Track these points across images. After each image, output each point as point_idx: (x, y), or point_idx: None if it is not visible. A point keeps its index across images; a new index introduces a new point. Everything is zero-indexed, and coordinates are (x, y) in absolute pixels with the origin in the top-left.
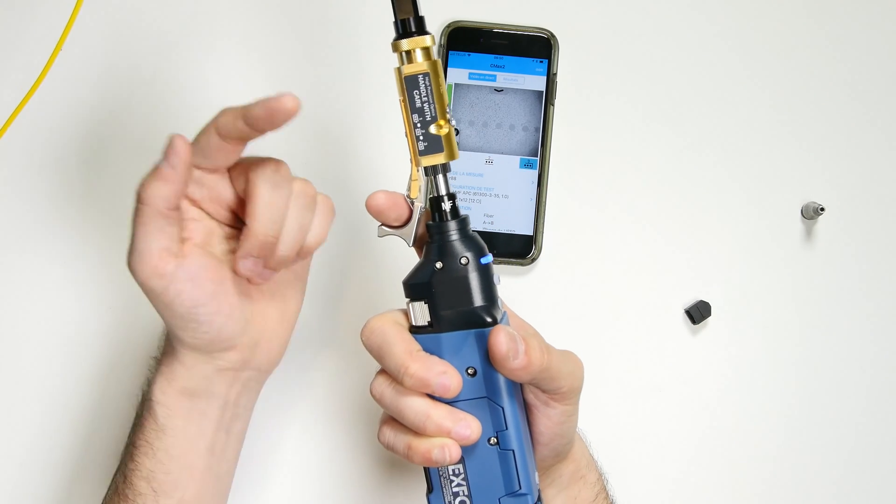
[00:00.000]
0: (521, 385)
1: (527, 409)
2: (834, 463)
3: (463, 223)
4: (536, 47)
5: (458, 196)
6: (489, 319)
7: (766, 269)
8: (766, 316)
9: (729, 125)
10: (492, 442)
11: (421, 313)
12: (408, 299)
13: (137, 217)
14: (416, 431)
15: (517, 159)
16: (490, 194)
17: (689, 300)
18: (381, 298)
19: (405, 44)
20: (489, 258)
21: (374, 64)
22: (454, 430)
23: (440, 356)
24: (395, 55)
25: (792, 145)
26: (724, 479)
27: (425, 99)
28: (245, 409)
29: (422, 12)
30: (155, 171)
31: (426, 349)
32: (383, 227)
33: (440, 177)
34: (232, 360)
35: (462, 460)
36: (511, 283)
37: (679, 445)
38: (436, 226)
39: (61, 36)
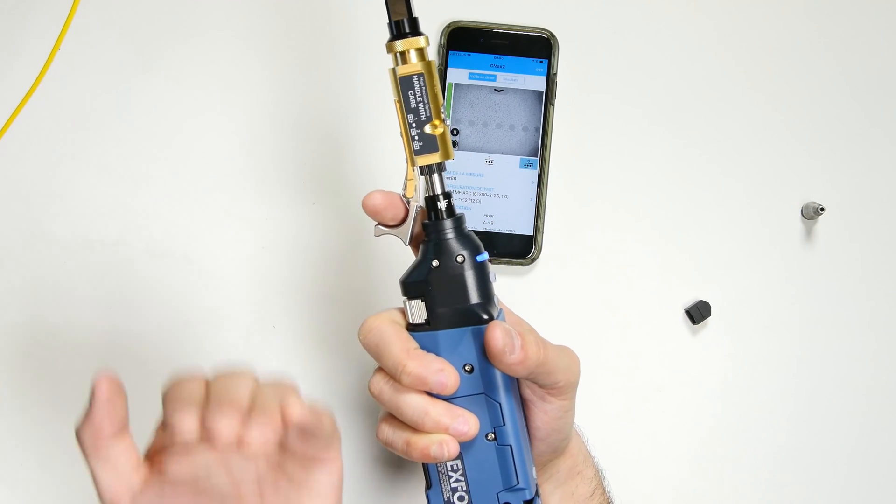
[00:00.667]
0: (518, 381)
1: (524, 404)
2: (834, 463)
3: (458, 222)
4: (536, 47)
5: (458, 196)
6: (485, 316)
7: (767, 268)
8: (766, 316)
9: (729, 125)
10: (489, 438)
11: (418, 311)
12: (404, 298)
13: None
14: (414, 428)
15: (517, 159)
16: (490, 194)
17: (689, 300)
18: (377, 297)
19: (399, 45)
20: (485, 256)
21: (368, 65)
22: (452, 427)
23: (437, 354)
24: (390, 56)
25: (792, 145)
26: (724, 479)
27: (420, 99)
28: None
29: (416, 13)
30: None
31: (423, 347)
32: (380, 226)
33: (436, 176)
34: None
35: (460, 456)
36: (511, 283)
37: (679, 446)
38: (432, 224)
39: (59, 36)
